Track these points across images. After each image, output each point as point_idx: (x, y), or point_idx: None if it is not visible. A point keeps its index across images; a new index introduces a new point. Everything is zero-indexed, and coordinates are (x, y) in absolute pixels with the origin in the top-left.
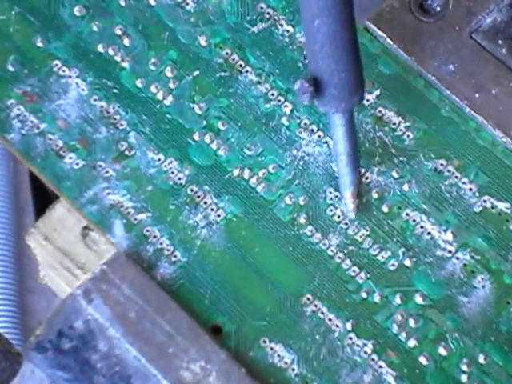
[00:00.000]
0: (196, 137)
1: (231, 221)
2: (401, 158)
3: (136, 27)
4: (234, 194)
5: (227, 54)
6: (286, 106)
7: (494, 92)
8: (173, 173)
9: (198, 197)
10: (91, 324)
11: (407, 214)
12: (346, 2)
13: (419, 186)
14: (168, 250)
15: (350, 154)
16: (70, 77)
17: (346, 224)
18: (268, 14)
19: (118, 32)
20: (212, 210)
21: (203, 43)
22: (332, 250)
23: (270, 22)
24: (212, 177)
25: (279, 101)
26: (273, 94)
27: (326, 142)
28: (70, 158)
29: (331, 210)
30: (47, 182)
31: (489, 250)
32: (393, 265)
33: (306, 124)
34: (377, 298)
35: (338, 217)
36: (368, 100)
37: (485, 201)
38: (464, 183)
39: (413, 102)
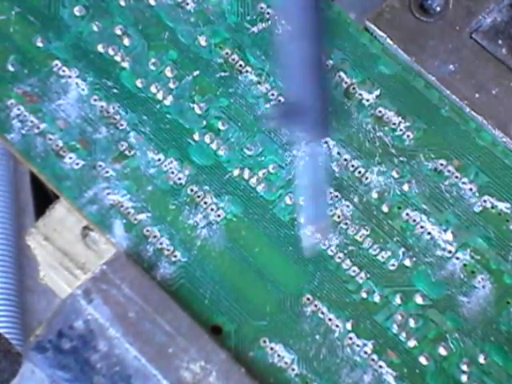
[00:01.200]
0: (196, 137)
1: (231, 221)
2: (401, 158)
3: (136, 27)
4: (233, 193)
5: (227, 54)
6: None
7: (494, 92)
8: (173, 173)
9: (198, 197)
10: (91, 324)
11: (407, 214)
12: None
13: (419, 186)
14: (168, 250)
15: (316, 186)
16: (70, 77)
17: (346, 224)
18: (268, 14)
19: (118, 32)
20: (212, 210)
21: (203, 43)
22: (332, 250)
23: (269, 21)
24: (212, 177)
25: (279, 101)
26: (273, 94)
27: (326, 142)
28: (70, 158)
29: (331, 210)
30: (47, 182)
31: (489, 250)
32: (393, 265)
33: None
34: (377, 298)
35: (338, 217)
36: (368, 100)
37: (485, 201)
38: (464, 183)
39: (413, 102)
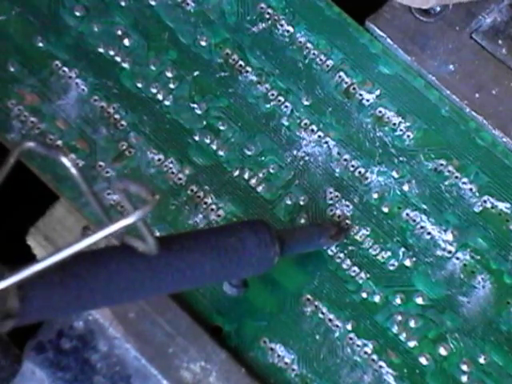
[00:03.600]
0: (196, 137)
1: (231, 221)
2: (401, 158)
3: (136, 27)
4: (233, 193)
5: (227, 54)
6: (286, 106)
7: (494, 92)
8: (173, 173)
9: (198, 197)
10: (91, 324)
11: (407, 214)
12: None
13: (419, 186)
14: None
15: None
16: (70, 77)
17: (346, 224)
18: (268, 14)
19: (118, 32)
20: (212, 210)
21: (203, 43)
22: (332, 250)
23: (269, 21)
24: (212, 177)
25: (279, 101)
26: (273, 94)
27: (327, 142)
28: (70, 158)
29: (331, 210)
30: (47, 183)
31: (489, 250)
32: (393, 265)
33: (306, 124)
34: (377, 298)
35: (338, 217)
36: (368, 100)
37: (485, 201)
38: (464, 183)
39: (413, 102)
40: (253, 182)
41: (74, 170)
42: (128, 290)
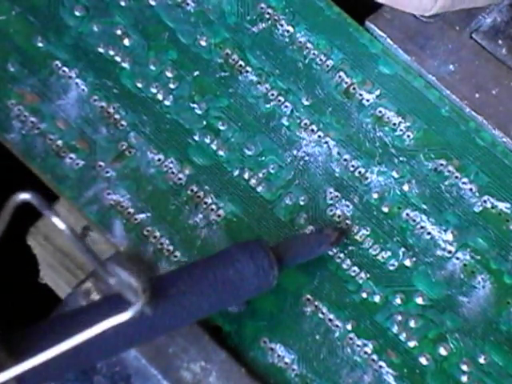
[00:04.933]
0: (196, 137)
1: (231, 221)
2: (401, 158)
3: (136, 27)
4: (234, 193)
5: (227, 54)
6: (286, 106)
7: (494, 92)
8: (173, 173)
9: (198, 197)
10: None
11: (407, 214)
12: None
13: (419, 186)
14: (168, 250)
15: None
16: (70, 77)
17: (347, 224)
18: (268, 14)
19: (118, 32)
20: (212, 210)
21: (203, 43)
22: (332, 250)
23: (270, 21)
24: (212, 177)
25: (279, 101)
26: (273, 94)
27: (327, 142)
28: (70, 158)
29: (331, 210)
30: (47, 182)
31: (489, 250)
32: (393, 265)
33: (306, 124)
34: (377, 298)
35: (338, 217)
36: (368, 100)
37: (485, 201)
38: (464, 183)
39: (413, 102)
40: (253, 181)
41: (67, 231)
42: (120, 346)
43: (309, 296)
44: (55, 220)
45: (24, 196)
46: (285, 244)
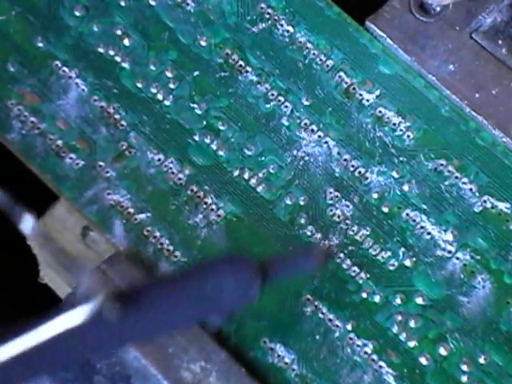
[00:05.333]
0: (196, 137)
1: (231, 221)
2: (401, 158)
3: (136, 27)
4: (234, 193)
5: (227, 54)
6: (286, 106)
7: (494, 92)
8: (173, 173)
9: (198, 197)
10: None
11: (407, 214)
12: None
13: (419, 186)
14: (168, 250)
15: None
16: (70, 77)
17: (346, 224)
18: (268, 14)
19: (118, 32)
20: (212, 210)
21: (203, 43)
22: (332, 250)
23: (270, 21)
24: (212, 177)
25: (279, 101)
26: (273, 94)
27: (326, 142)
28: (70, 158)
29: (331, 210)
30: (47, 182)
31: (489, 250)
32: (393, 265)
33: (306, 124)
34: (377, 298)
35: (338, 217)
36: (368, 100)
37: (485, 201)
38: (464, 183)
39: (413, 102)
40: (253, 181)
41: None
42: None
43: (309, 296)
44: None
45: None
46: (269, 259)
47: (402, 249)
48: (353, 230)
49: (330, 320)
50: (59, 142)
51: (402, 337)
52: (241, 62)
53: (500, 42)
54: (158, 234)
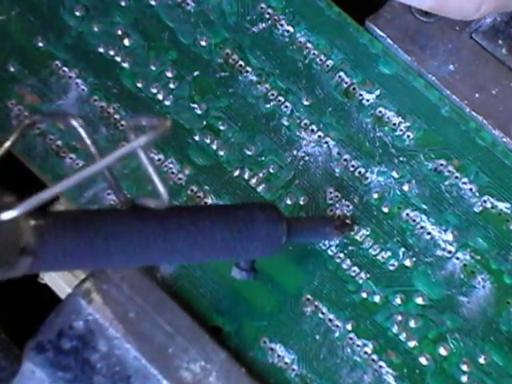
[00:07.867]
0: (196, 137)
1: None
2: (401, 158)
3: (136, 27)
4: (233, 193)
5: (227, 54)
6: (286, 106)
7: (493, 92)
8: (173, 173)
9: (198, 197)
10: (91, 324)
11: (407, 214)
12: None
13: (419, 186)
14: None
15: None
16: (70, 77)
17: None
18: (268, 14)
19: (118, 32)
20: None
21: (203, 43)
22: (332, 250)
23: (270, 21)
24: (212, 177)
25: (279, 101)
26: (273, 94)
27: (327, 142)
28: (70, 158)
29: (331, 210)
30: (47, 182)
31: (489, 250)
32: (393, 265)
33: (306, 124)
34: (377, 298)
35: (338, 217)
36: (368, 100)
37: (485, 201)
38: (464, 183)
39: (413, 102)
40: (253, 181)
41: (83, 133)
42: (140, 247)
43: (309, 296)
44: (74, 122)
45: (34, 118)
46: (293, 217)
47: (402, 249)
48: (353, 230)
49: (330, 320)
50: (59, 142)
51: (402, 337)
52: (241, 62)
53: (500, 42)
54: None
